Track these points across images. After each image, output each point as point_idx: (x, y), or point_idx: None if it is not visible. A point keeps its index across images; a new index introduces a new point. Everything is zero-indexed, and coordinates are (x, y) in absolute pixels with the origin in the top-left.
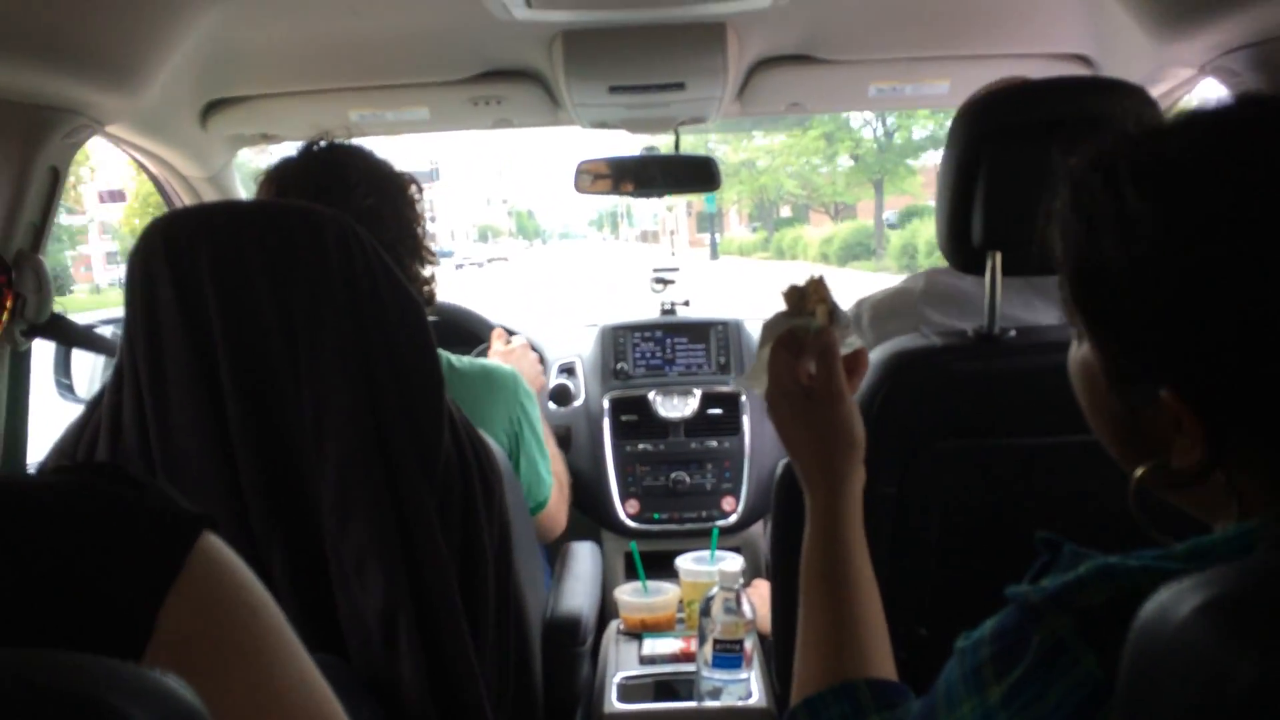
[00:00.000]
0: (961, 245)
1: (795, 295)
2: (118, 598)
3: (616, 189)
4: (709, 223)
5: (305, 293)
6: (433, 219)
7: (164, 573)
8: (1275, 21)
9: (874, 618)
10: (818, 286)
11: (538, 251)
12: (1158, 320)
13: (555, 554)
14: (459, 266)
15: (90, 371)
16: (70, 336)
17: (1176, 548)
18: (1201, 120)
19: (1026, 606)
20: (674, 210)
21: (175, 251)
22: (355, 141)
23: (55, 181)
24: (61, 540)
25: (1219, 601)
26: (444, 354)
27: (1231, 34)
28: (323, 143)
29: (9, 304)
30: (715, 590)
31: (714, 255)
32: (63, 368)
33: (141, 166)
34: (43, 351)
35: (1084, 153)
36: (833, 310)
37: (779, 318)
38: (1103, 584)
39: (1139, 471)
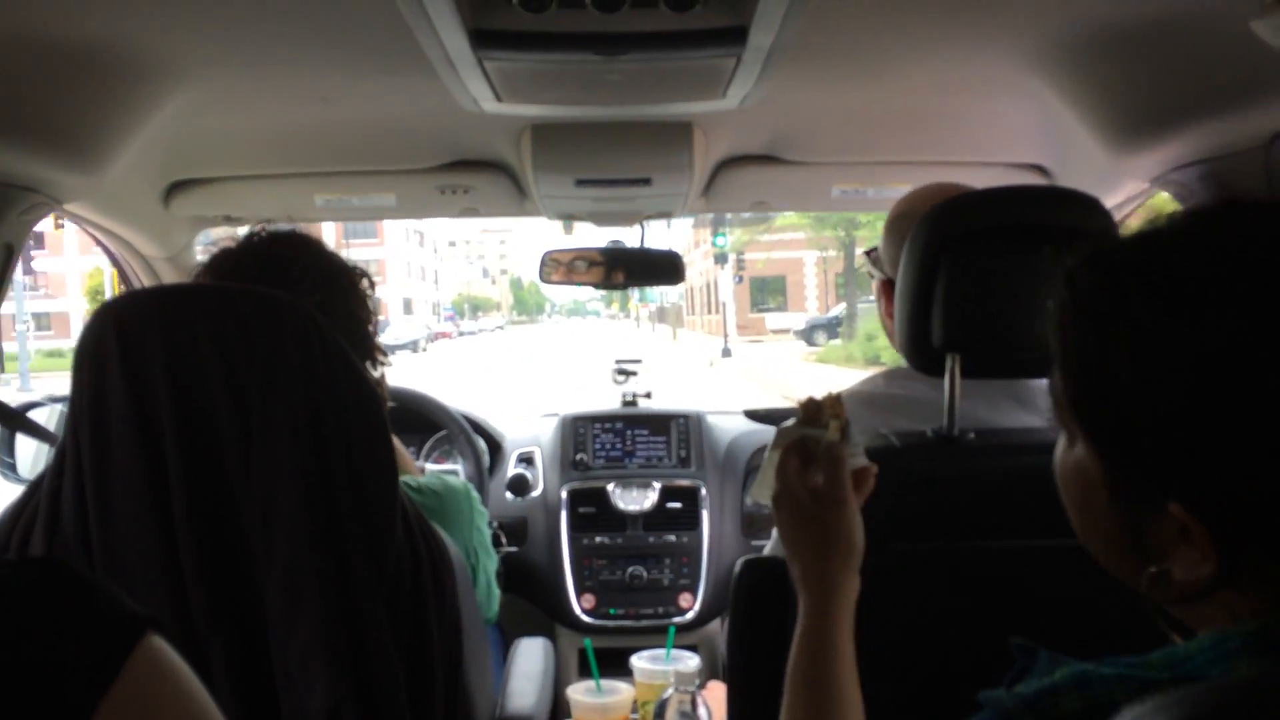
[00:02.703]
0: (921, 347)
1: (812, 407)
2: (49, 701)
3: (582, 280)
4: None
5: (259, 381)
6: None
7: (99, 676)
8: (1224, 139)
9: None
10: (834, 403)
11: (517, 331)
12: (1169, 434)
13: (506, 648)
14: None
15: (35, 453)
16: (9, 421)
17: (1152, 655)
18: (1203, 229)
19: (1001, 712)
20: (707, 276)
21: (126, 335)
22: (327, 233)
23: (8, 258)
24: None
25: None
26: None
27: (1182, 150)
28: (265, 231)
29: None
30: (670, 691)
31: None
32: (6, 447)
33: (99, 244)
34: None
35: (1081, 256)
36: (845, 427)
37: (793, 426)
38: (1078, 692)
39: (1145, 580)
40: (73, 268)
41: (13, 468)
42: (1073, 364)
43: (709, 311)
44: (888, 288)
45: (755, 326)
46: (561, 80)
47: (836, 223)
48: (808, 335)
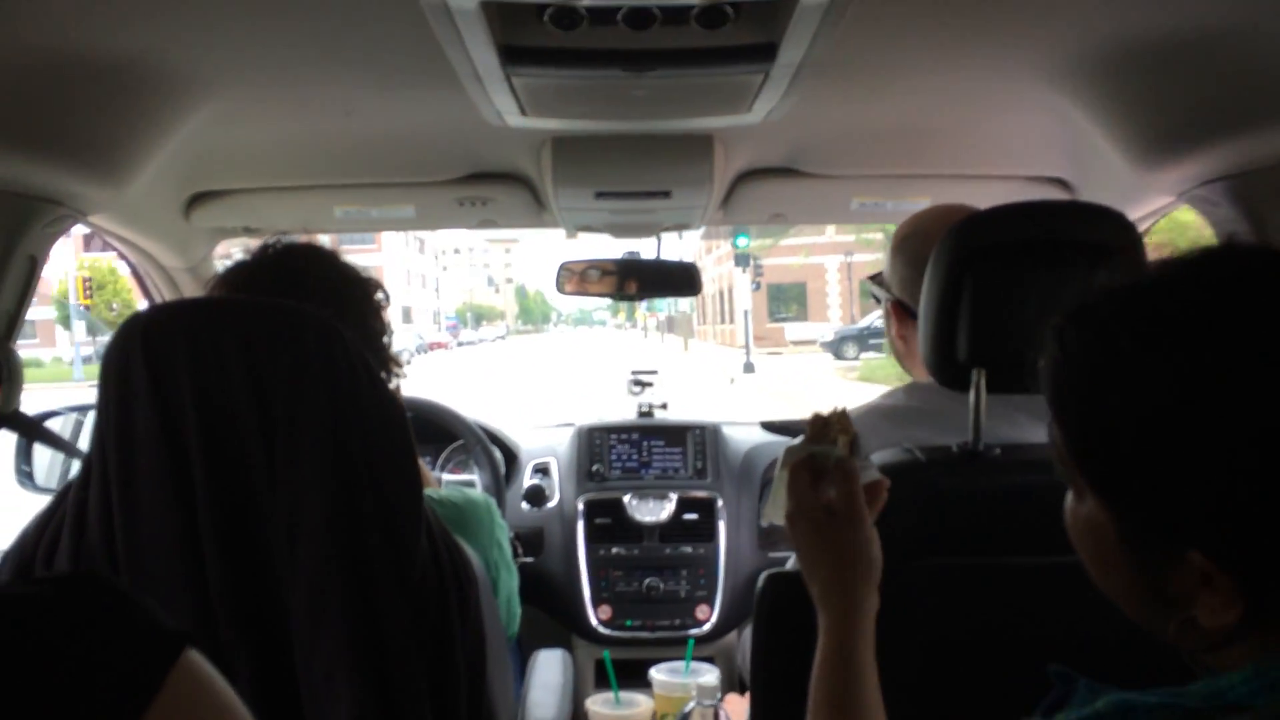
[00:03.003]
0: (946, 361)
1: (819, 424)
2: (92, 715)
3: (597, 291)
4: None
5: (284, 394)
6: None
7: (140, 693)
8: (1253, 155)
9: None
10: (841, 418)
11: (520, 341)
12: (1179, 483)
13: (523, 659)
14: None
15: (50, 461)
16: (30, 431)
17: (1192, 686)
18: (1186, 274)
19: None
20: (720, 283)
21: (152, 346)
22: (323, 241)
23: (32, 270)
24: (37, 653)
25: None
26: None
27: (1209, 165)
28: (280, 243)
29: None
30: (692, 705)
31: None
32: (24, 456)
33: (120, 255)
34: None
35: (1066, 313)
36: (854, 441)
37: (800, 444)
38: None
39: (1173, 629)
40: (57, 273)
41: (30, 476)
42: (1072, 419)
43: (722, 321)
44: (898, 309)
45: (773, 337)
46: (588, 95)
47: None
48: (836, 348)
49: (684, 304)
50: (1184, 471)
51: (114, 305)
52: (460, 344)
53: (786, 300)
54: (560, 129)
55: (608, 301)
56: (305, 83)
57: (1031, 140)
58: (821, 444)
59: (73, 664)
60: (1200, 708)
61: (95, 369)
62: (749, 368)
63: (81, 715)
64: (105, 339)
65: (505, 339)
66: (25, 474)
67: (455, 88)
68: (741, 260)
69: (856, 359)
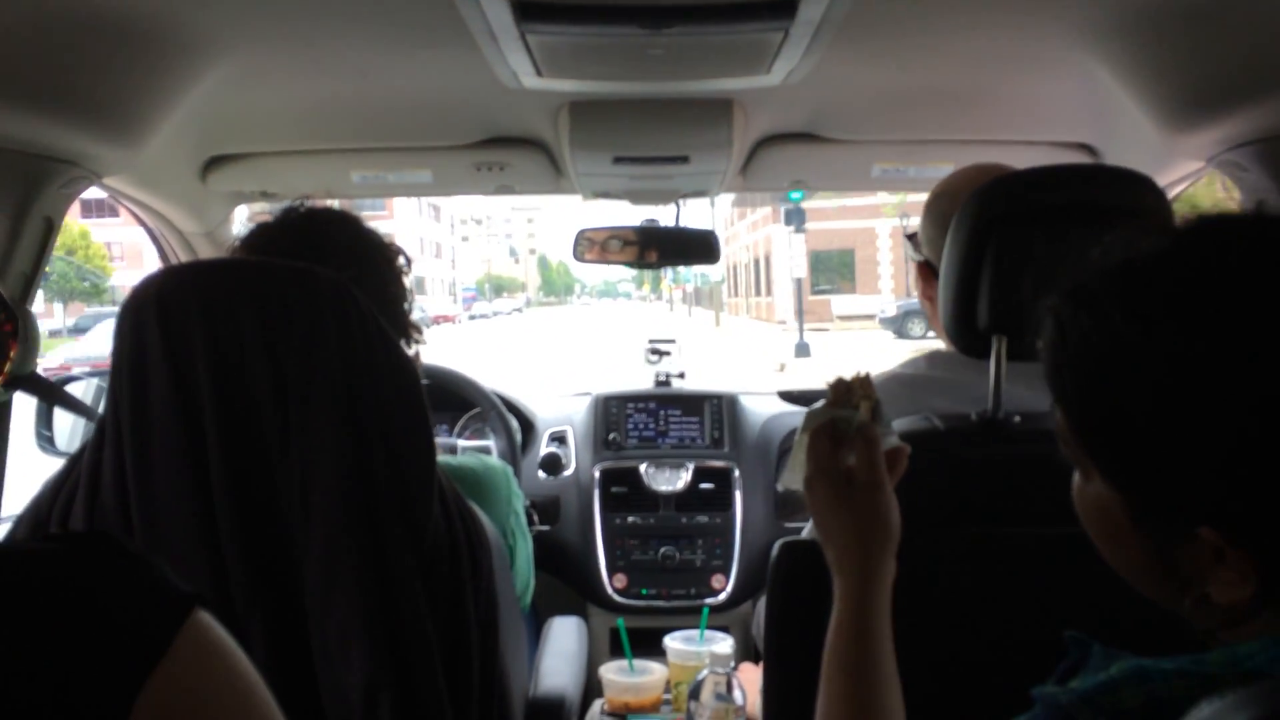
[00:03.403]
0: (966, 329)
1: (841, 389)
2: (99, 674)
3: (616, 259)
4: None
5: (298, 357)
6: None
7: (151, 650)
8: None
9: (895, 712)
10: (864, 383)
11: (539, 314)
12: (1184, 460)
13: (538, 627)
14: None
15: (71, 426)
16: (47, 393)
17: (1209, 654)
18: (1180, 246)
19: (1056, 708)
20: (754, 250)
21: (166, 308)
22: (344, 206)
23: (48, 232)
24: (48, 609)
25: None
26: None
27: (1240, 129)
28: (303, 207)
29: (12, 354)
30: (705, 673)
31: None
32: (44, 420)
33: (137, 219)
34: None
35: (1061, 293)
36: (876, 407)
37: (822, 409)
38: (1137, 688)
39: (1188, 607)
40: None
41: (51, 441)
42: (1073, 401)
43: (756, 293)
44: (925, 270)
45: (817, 311)
46: (604, 54)
47: None
48: (899, 324)
49: (714, 274)
50: (1188, 449)
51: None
52: (472, 317)
53: (830, 270)
54: (577, 92)
55: (632, 273)
56: (318, 43)
57: (1057, 104)
58: (844, 409)
59: (82, 621)
60: (1217, 674)
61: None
62: (803, 350)
63: (91, 672)
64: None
65: (523, 311)
66: (46, 438)
67: (470, 47)
68: (794, 217)
69: (924, 337)
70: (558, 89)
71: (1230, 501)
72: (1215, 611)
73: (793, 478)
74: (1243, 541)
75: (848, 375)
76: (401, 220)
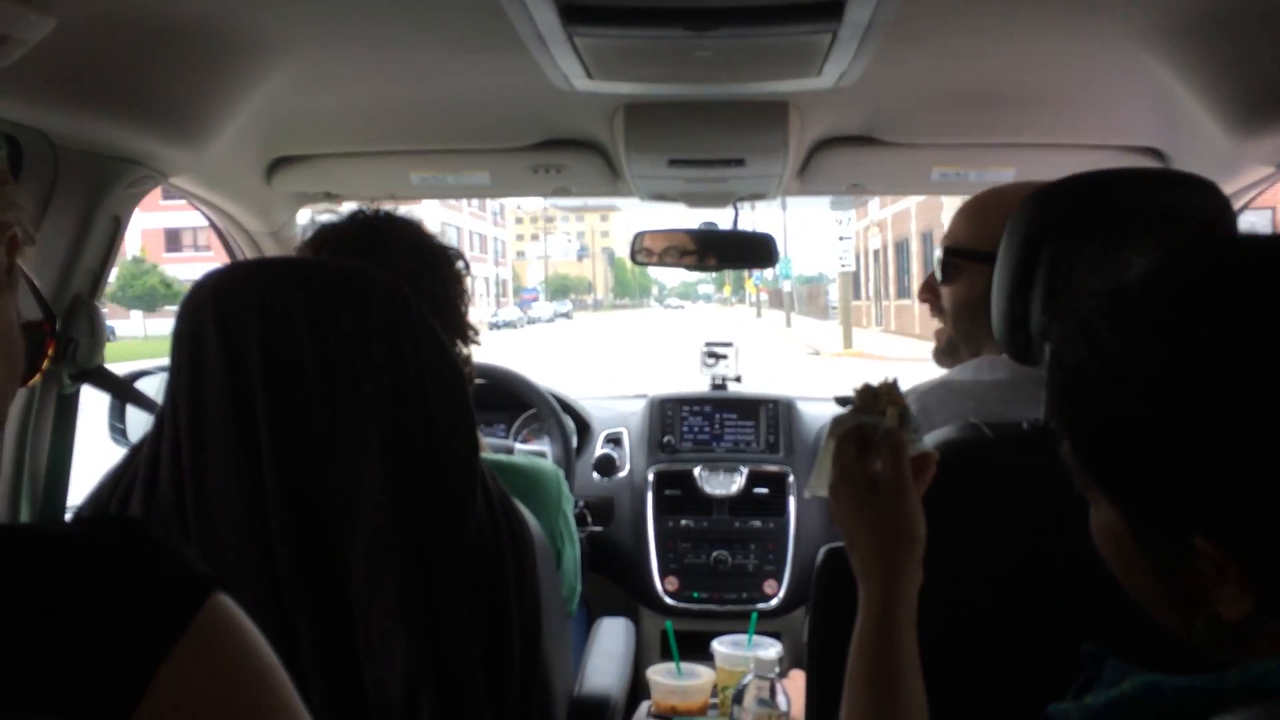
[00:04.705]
0: (1018, 333)
1: (868, 394)
2: (116, 652)
3: (673, 262)
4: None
5: (348, 354)
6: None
7: (167, 631)
8: None
9: (918, 718)
10: (891, 389)
11: (595, 320)
12: (1168, 466)
13: (588, 628)
14: None
15: (144, 419)
16: (114, 387)
17: (1229, 673)
18: (1170, 265)
19: None
20: (915, 215)
21: (223, 306)
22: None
23: (116, 230)
24: (68, 590)
25: None
26: (488, 456)
27: None
28: (370, 210)
29: (50, 350)
30: (749, 678)
31: None
32: (117, 414)
33: (206, 217)
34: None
35: (1060, 317)
36: (903, 413)
37: (848, 414)
38: (1149, 705)
39: (1199, 632)
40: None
41: (123, 434)
42: (1072, 421)
43: (899, 293)
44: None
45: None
46: (652, 57)
47: None
48: None
49: (818, 267)
50: (1175, 461)
51: None
52: (495, 326)
53: None
54: (631, 94)
55: (712, 274)
56: (376, 46)
57: (1121, 107)
58: (870, 415)
59: (103, 601)
60: (1232, 692)
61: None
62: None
63: (107, 652)
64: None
65: (570, 316)
66: (119, 431)
67: (520, 50)
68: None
69: None
70: (611, 91)
71: (1218, 507)
72: (1225, 633)
73: (818, 483)
74: (1235, 549)
75: (874, 381)
76: (427, 206)
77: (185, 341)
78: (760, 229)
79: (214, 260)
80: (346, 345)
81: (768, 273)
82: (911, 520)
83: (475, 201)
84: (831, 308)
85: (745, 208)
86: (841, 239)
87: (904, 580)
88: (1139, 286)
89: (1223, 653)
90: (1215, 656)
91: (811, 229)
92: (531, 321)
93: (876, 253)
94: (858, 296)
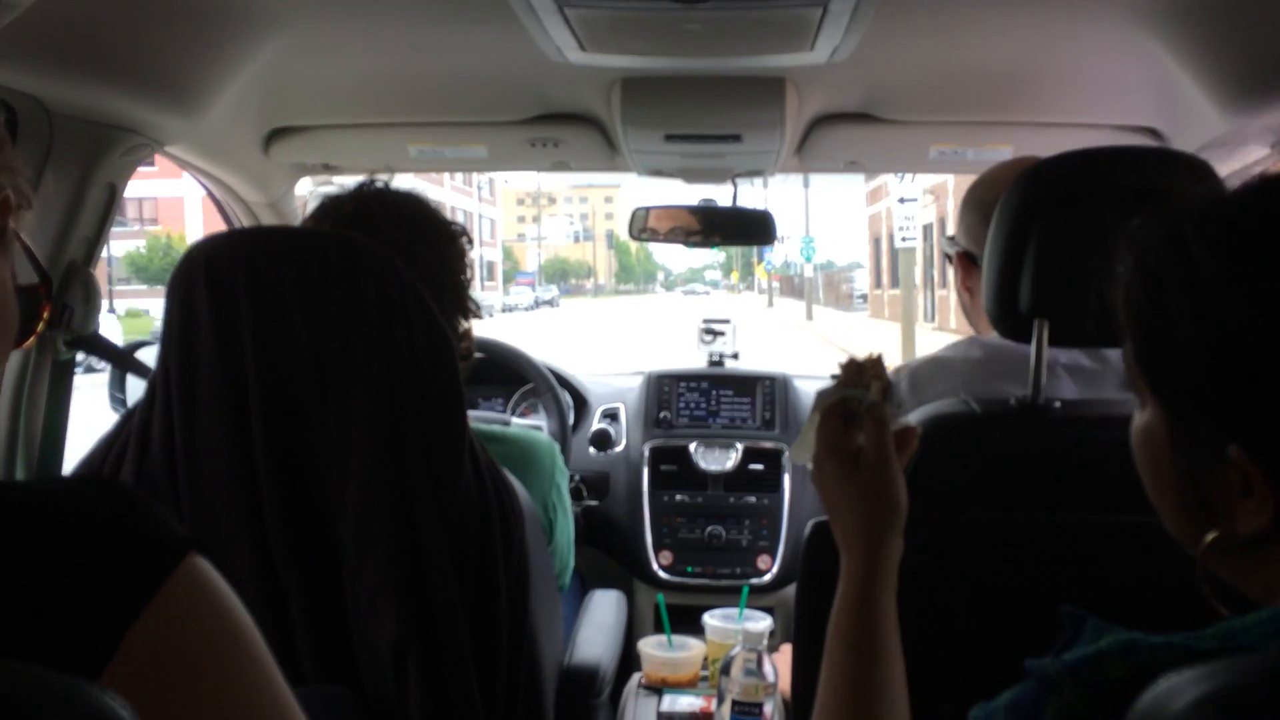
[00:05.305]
0: (1008, 312)
1: (853, 369)
2: (90, 607)
3: (671, 238)
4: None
5: (338, 323)
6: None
7: (141, 590)
8: None
9: (897, 687)
10: (876, 363)
11: (586, 306)
12: (1224, 374)
13: (581, 602)
14: None
15: (144, 388)
16: (109, 354)
17: (1205, 631)
18: (1261, 188)
19: (1044, 679)
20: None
21: (215, 275)
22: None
23: (111, 198)
24: (41, 545)
25: (1217, 697)
26: (483, 426)
27: None
28: (373, 183)
29: (46, 314)
30: (737, 649)
31: None
32: (118, 383)
33: (204, 188)
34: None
35: (1146, 216)
36: (887, 388)
37: (833, 388)
38: (1123, 660)
39: (1208, 538)
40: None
41: (123, 403)
42: (1136, 320)
43: (942, 283)
44: (964, 260)
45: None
46: (644, 29)
47: None
48: None
49: (848, 258)
50: (1231, 365)
51: None
52: None
53: None
54: (627, 68)
55: (720, 259)
56: (370, 16)
57: (1117, 86)
58: (854, 389)
59: (76, 559)
60: (1207, 650)
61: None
62: None
63: (81, 608)
64: None
65: (555, 304)
66: (119, 400)
67: (513, 22)
68: None
69: None
70: (607, 64)
71: (1260, 422)
72: (1235, 547)
73: (801, 454)
74: (1267, 464)
75: (860, 356)
76: (402, 180)
77: (177, 309)
78: (786, 206)
79: None
80: (337, 313)
81: (778, 258)
82: (893, 493)
83: (460, 176)
84: (857, 297)
85: (757, 186)
86: (903, 200)
87: (884, 550)
88: (1236, 198)
89: (1225, 571)
90: (1215, 573)
91: (827, 210)
92: (508, 310)
93: (927, 228)
94: (878, 285)
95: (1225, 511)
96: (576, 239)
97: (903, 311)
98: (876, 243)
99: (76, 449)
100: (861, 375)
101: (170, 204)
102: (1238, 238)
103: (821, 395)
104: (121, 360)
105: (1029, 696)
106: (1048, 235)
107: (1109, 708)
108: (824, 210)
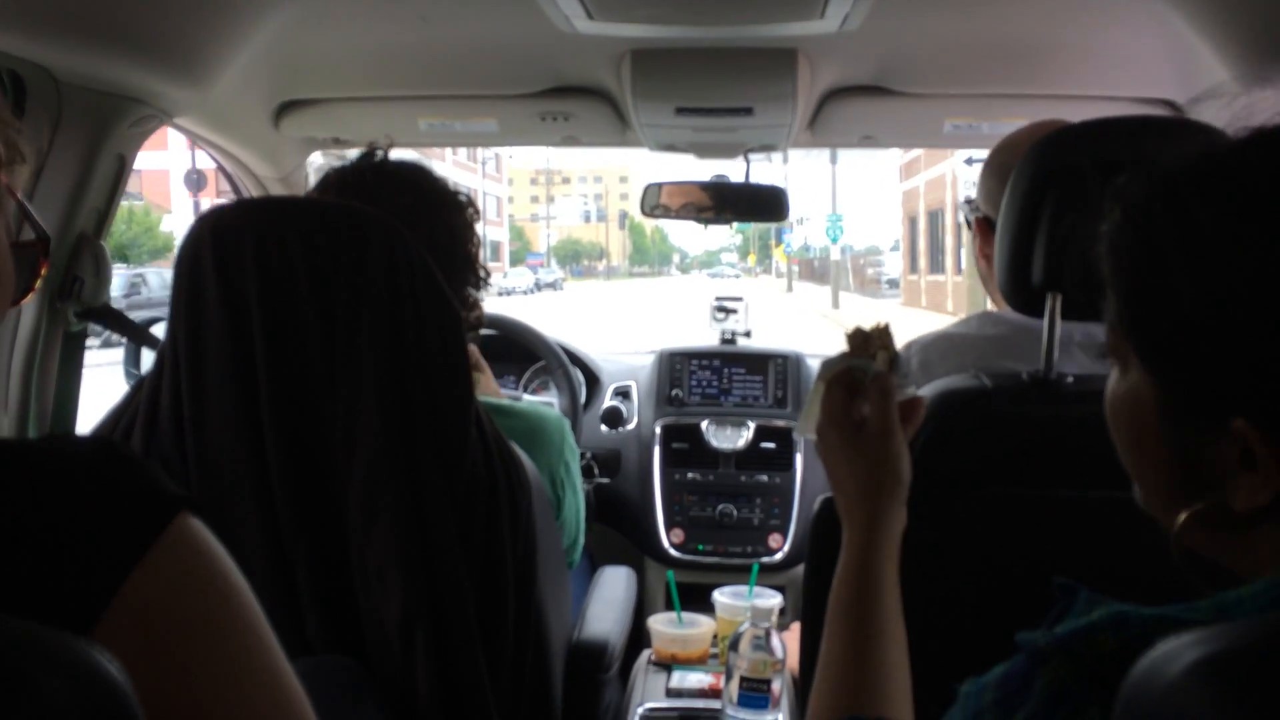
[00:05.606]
0: (1021, 285)
1: (859, 338)
2: (82, 563)
3: (683, 214)
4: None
5: (345, 293)
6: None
7: (133, 546)
8: None
9: (897, 660)
10: (883, 333)
11: (589, 289)
12: (1230, 343)
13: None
14: None
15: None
16: (120, 325)
17: (1199, 603)
18: (1262, 141)
19: (1035, 652)
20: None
21: (222, 245)
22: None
23: (121, 169)
24: (34, 501)
25: (1214, 660)
26: (491, 399)
27: None
28: (379, 155)
29: (43, 270)
30: (745, 626)
31: None
32: (133, 359)
33: (216, 162)
34: None
35: (1135, 171)
36: (893, 358)
37: (839, 357)
38: (1113, 632)
39: (1194, 508)
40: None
41: (138, 378)
42: (1125, 281)
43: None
44: (983, 226)
45: None
46: None
47: None
48: None
49: (879, 241)
50: (1240, 332)
51: None
52: None
53: None
54: (637, 39)
55: (736, 242)
56: None
57: (1135, 57)
58: (860, 359)
59: (70, 515)
60: (1199, 619)
61: None
62: None
63: (73, 563)
64: None
65: (559, 287)
66: (134, 376)
67: None
68: None
69: None
70: (615, 34)
71: (1268, 389)
72: (1224, 522)
73: (806, 425)
74: (1275, 438)
75: (866, 326)
76: (401, 156)
77: (185, 279)
78: (805, 185)
79: None
80: (343, 283)
81: (796, 241)
82: (896, 464)
83: (463, 152)
84: (885, 282)
85: (776, 163)
86: (971, 162)
87: (886, 521)
88: (1234, 153)
89: (1205, 545)
90: (1193, 547)
91: (848, 190)
92: (504, 293)
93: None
94: (914, 270)
95: (1214, 484)
96: (588, 219)
97: (968, 302)
98: (912, 222)
99: (91, 422)
100: (868, 345)
101: (155, 176)
102: (1242, 195)
103: (827, 365)
104: (135, 333)
105: (1019, 670)
106: (1060, 208)
107: (1099, 680)
108: (845, 191)
